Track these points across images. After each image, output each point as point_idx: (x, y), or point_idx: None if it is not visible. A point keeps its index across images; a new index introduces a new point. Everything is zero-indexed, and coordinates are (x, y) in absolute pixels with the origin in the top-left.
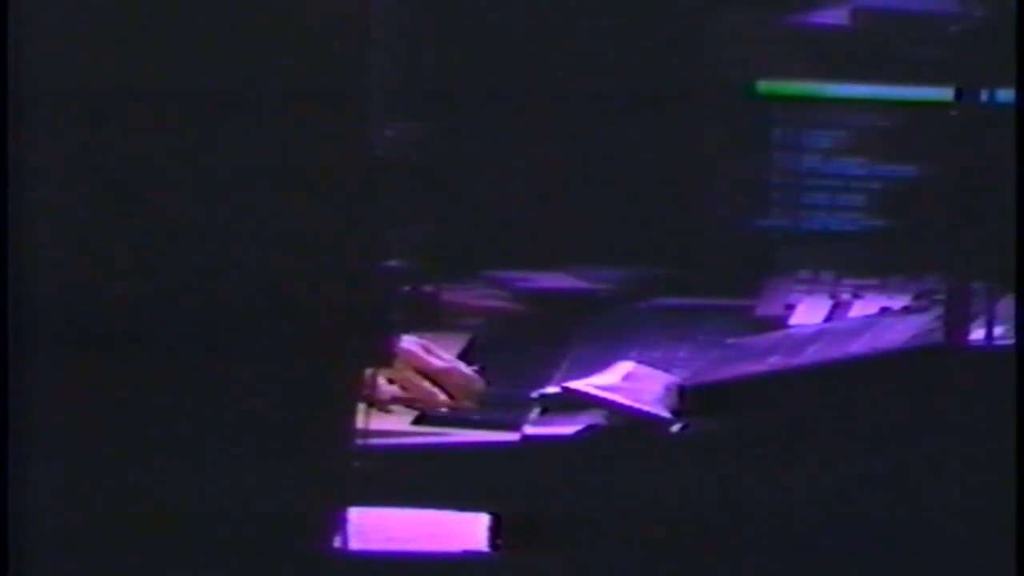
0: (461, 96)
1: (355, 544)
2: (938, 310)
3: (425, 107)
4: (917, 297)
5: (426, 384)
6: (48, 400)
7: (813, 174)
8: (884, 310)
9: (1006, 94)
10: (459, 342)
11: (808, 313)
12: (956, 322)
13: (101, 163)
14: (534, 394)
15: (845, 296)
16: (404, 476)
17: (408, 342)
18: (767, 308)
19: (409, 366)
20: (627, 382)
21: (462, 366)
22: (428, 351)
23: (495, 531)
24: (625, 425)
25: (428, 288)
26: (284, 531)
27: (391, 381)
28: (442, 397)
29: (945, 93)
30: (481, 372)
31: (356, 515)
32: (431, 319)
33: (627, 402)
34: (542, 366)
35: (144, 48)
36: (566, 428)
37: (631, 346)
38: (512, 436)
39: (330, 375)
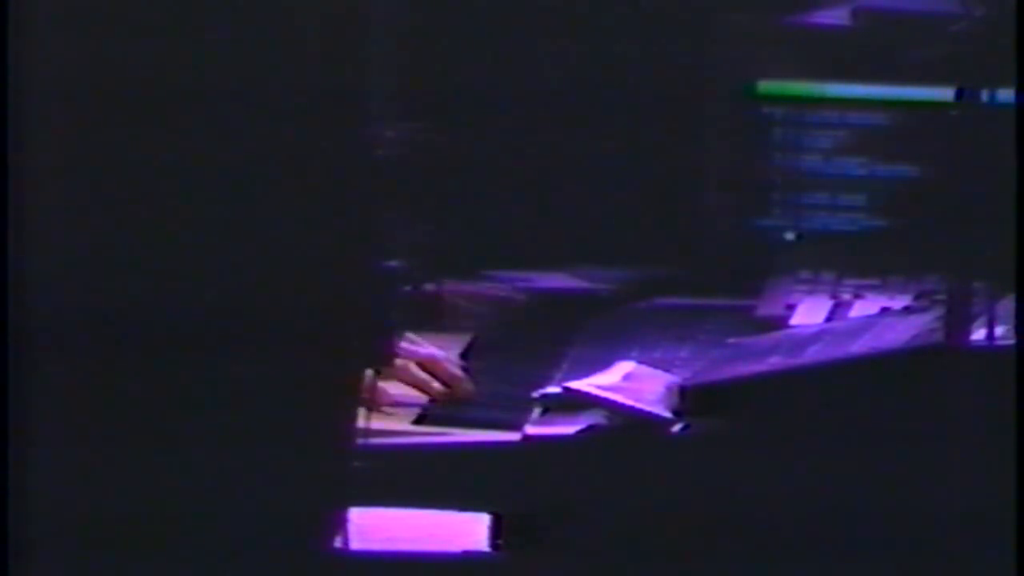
0: (461, 96)
1: (355, 544)
2: (938, 310)
3: (425, 107)
4: (917, 297)
5: (420, 373)
6: (48, 400)
7: (813, 174)
8: (884, 310)
9: (1006, 94)
10: (459, 342)
11: (809, 313)
12: (956, 322)
13: (102, 163)
14: (534, 394)
15: (845, 296)
16: (404, 476)
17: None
18: (767, 308)
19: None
20: (627, 382)
21: (449, 360)
22: (413, 343)
23: (495, 531)
24: (625, 425)
25: (428, 288)
26: (284, 531)
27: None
28: (436, 386)
29: (945, 93)
30: (468, 369)
31: (356, 515)
32: (431, 319)
33: (627, 402)
34: (542, 366)
35: (144, 48)
36: (567, 428)
37: (631, 346)
38: (512, 436)
39: (330, 375)
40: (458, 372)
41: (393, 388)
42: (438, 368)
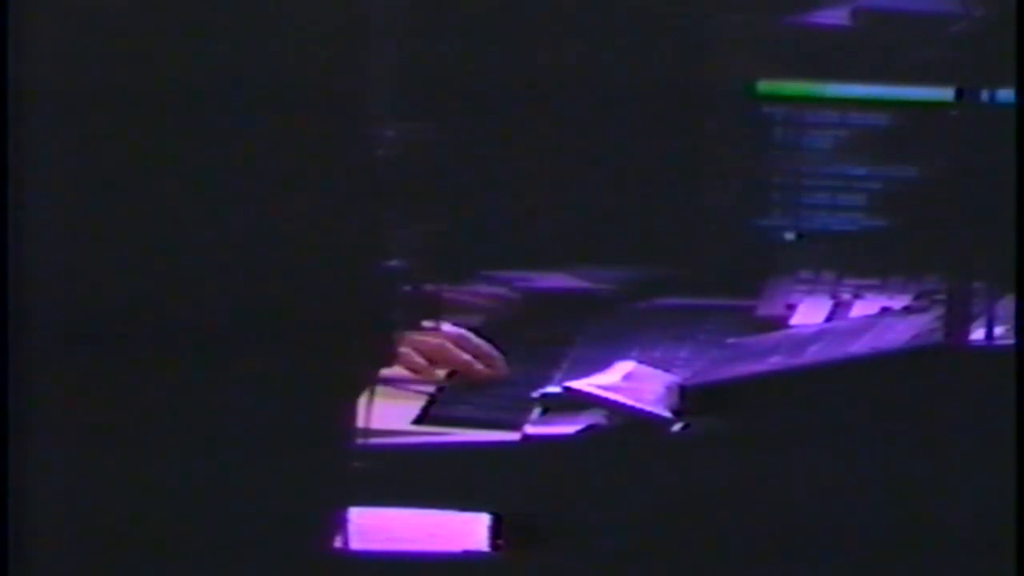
0: (461, 96)
1: (355, 544)
2: (938, 310)
3: (425, 107)
4: (917, 297)
5: (456, 351)
6: (48, 400)
7: (813, 174)
8: (884, 310)
9: (1006, 94)
10: None
11: (809, 313)
12: (956, 322)
13: (102, 163)
14: (535, 394)
15: (845, 296)
16: (404, 476)
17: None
18: (767, 308)
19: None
20: (628, 382)
21: (481, 339)
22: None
23: (495, 531)
24: (625, 425)
25: (428, 288)
26: (284, 531)
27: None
28: (473, 364)
29: (945, 93)
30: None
31: (356, 515)
32: (431, 319)
33: (628, 402)
34: (542, 366)
35: (144, 48)
36: (567, 428)
37: (631, 346)
38: (512, 436)
39: (330, 375)
40: (492, 349)
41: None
42: (471, 347)
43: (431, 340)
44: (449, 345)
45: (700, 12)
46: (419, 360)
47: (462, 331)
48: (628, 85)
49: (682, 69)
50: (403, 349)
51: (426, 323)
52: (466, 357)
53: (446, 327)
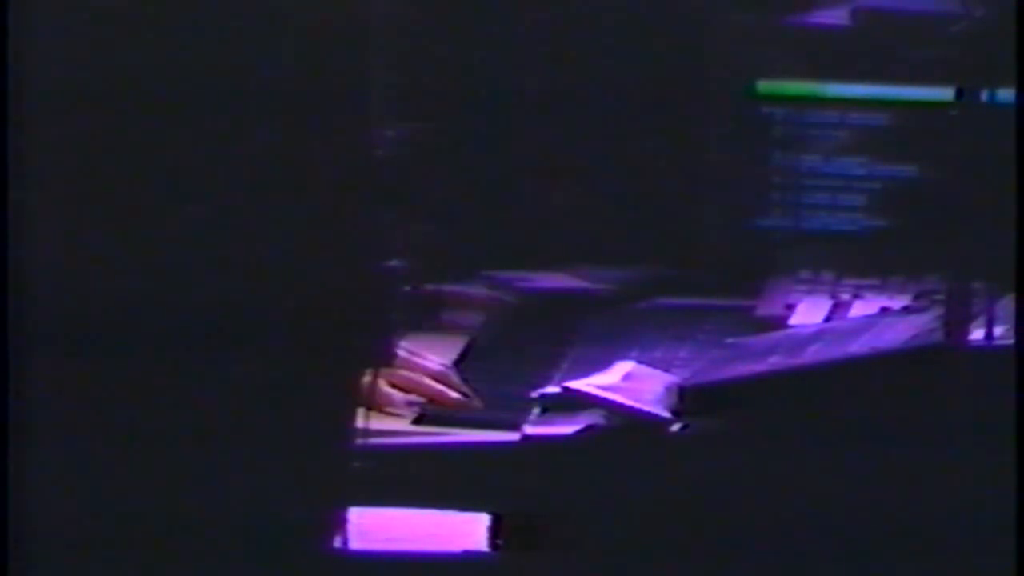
0: (461, 96)
1: (355, 544)
2: (938, 310)
3: (425, 107)
4: (917, 297)
5: (428, 381)
6: (48, 400)
7: (813, 174)
8: (884, 310)
9: (1006, 94)
10: (459, 342)
11: (808, 313)
12: (956, 322)
13: (101, 163)
14: (534, 394)
15: (845, 296)
16: (404, 476)
17: (401, 347)
18: (767, 308)
19: (406, 367)
20: (627, 382)
21: (454, 372)
22: (419, 355)
23: (495, 531)
24: (625, 425)
25: (428, 288)
26: (284, 531)
27: (392, 384)
28: (449, 394)
29: (945, 93)
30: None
31: (356, 515)
32: (431, 319)
33: (627, 402)
34: (542, 366)
35: (144, 48)
36: (566, 428)
37: (631, 346)
38: (512, 436)
39: (330, 375)
40: (462, 388)
41: (395, 393)
42: (451, 384)
43: (406, 374)
44: (426, 380)
45: (700, 12)
46: (393, 392)
47: (443, 367)
48: (628, 85)
49: (682, 69)
50: (379, 381)
51: (426, 324)
52: (439, 388)
53: (428, 362)
